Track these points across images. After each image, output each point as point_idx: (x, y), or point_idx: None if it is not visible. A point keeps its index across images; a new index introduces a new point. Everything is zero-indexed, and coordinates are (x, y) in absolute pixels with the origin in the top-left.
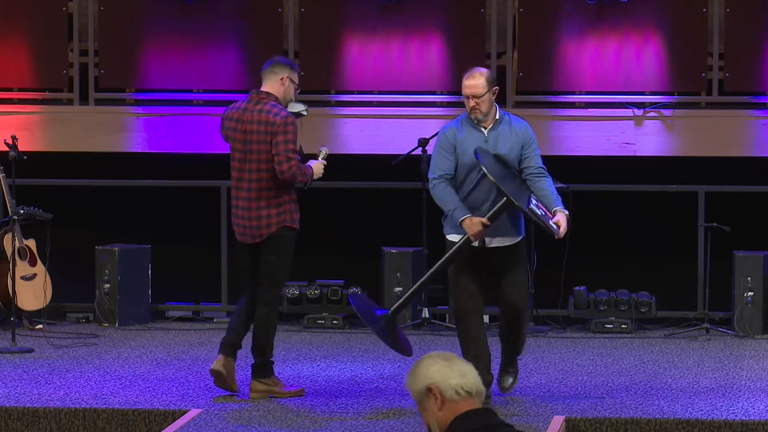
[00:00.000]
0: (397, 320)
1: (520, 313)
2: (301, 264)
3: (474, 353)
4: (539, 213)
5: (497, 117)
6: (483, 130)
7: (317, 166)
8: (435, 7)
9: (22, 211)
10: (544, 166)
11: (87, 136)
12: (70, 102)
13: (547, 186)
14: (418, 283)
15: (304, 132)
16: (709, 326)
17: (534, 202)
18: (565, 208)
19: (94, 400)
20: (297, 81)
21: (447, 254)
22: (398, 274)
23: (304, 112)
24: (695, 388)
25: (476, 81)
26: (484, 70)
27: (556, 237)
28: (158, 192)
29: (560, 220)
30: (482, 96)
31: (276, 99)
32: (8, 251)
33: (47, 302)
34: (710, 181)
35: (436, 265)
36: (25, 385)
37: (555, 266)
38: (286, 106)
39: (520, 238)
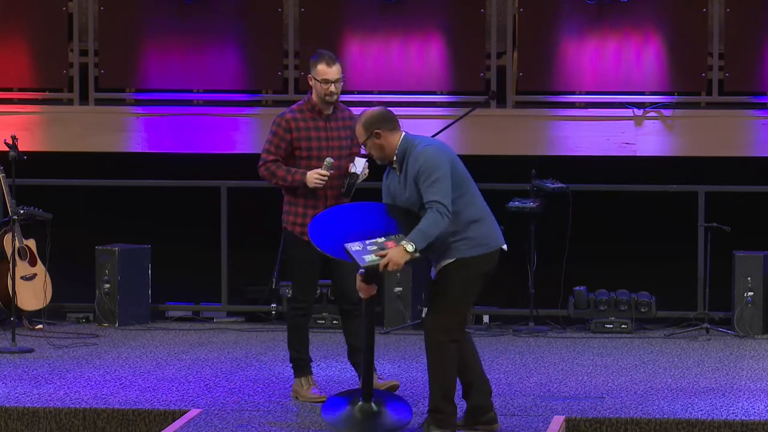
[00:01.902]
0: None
1: (425, 337)
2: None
3: None
4: (353, 251)
5: (395, 157)
6: (397, 172)
7: (309, 176)
8: (435, 7)
9: (22, 211)
10: (436, 198)
11: (87, 136)
12: (70, 102)
13: (420, 222)
14: (366, 353)
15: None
16: (709, 326)
17: (371, 241)
18: (416, 244)
19: (94, 400)
20: (317, 76)
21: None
22: (398, 274)
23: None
24: (695, 388)
25: (356, 128)
26: (366, 113)
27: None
28: (158, 192)
29: (387, 251)
30: (365, 142)
31: (307, 100)
32: (8, 251)
33: (47, 302)
34: (710, 181)
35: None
36: (25, 385)
37: (555, 266)
38: (321, 105)
39: (448, 261)
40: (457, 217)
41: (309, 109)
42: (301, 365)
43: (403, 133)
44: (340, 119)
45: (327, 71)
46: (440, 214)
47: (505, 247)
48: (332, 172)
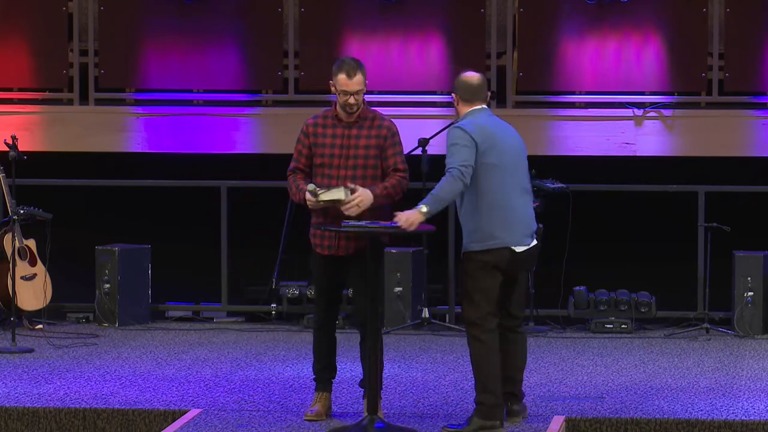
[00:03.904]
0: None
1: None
2: (301, 264)
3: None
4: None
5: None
6: None
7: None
8: (435, 7)
9: (22, 211)
10: (449, 163)
11: (87, 136)
12: (70, 102)
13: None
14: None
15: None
16: (709, 326)
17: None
18: (428, 206)
19: (94, 400)
20: (337, 86)
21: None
22: (398, 274)
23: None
24: (695, 388)
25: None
26: (463, 74)
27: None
28: (158, 192)
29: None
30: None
31: (333, 105)
32: (8, 251)
33: (47, 302)
34: (710, 181)
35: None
36: (25, 385)
37: (555, 266)
38: (342, 113)
39: (463, 252)
40: (469, 202)
41: (332, 115)
42: (317, 378)
43: (479, 109)
44: (365, 128)
45: (346, 83)
46: (453, 177)
47: (518, 249)
48: (314, 198)
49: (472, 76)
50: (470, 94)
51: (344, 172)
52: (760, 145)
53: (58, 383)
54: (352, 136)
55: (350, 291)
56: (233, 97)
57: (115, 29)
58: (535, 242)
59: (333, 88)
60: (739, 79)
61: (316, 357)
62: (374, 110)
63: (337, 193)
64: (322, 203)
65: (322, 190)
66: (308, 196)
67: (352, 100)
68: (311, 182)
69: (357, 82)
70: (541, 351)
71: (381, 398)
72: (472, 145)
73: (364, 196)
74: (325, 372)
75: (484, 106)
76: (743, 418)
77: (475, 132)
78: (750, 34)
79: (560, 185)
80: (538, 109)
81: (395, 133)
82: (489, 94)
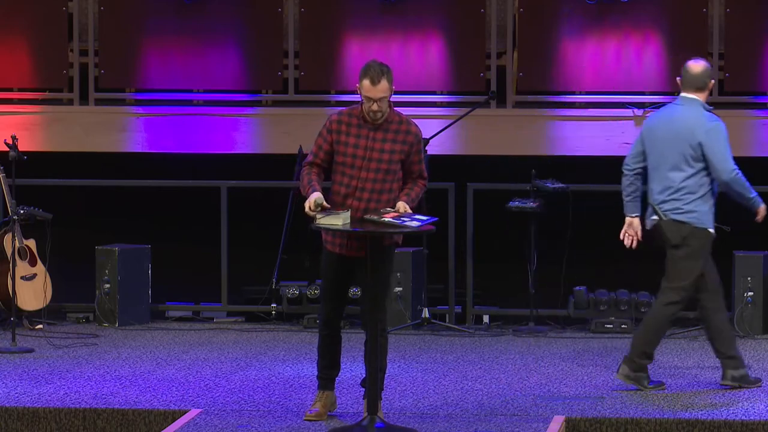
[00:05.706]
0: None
1: None
2: (301, 264)
3: None
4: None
5: None
6: None
7: (310, 197)
8: (435, 7)
9: (22, 211)
10: None
11: (87, 136)
12: (70, 102)
13: None
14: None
15: (305, 132)
16: None
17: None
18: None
19: (94, 400)
20: (362, 91)
21: None
22: (398, 274)
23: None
24: (695, 388)
25: None
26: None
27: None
28: (158, 192)
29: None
30: None
31: (360, 105)
32: (8, 251)
33: (47, 302)
34: None
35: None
36: (25, 385)
37: (555, 266)
38: (367, 116)
39: None
40: None
41: (358, 114)
42: (320, 376)
43: (681, 97)
44: (391, 131)
45: (371, 89)
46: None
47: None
48: (315, 210)
49: (692, 65)
50: (685, 81)
51: (366, 174)
52: (760, 145)
53: (58, 383)
54: (377, 139)
55: (358, 290)
56: (233, 97)
57: (115, 29)
58: (654, 217)
59: (358, 91)
60: (739, 79)
61: (321, 355)
62: (400, 113)
63: (336, 220)
64: (319, 219)
65: (324, 215)
66: (313, 202)
67: (375, 106)
68: (327, 179)
69: (381, 89)
70: (541, 351)
71: (381, 398)
72: (640, 137)
73: (405, 209)
74: (329, 370)
75: (688, 95)
76: (743, 418)
77: (647, 125)
78: (750, 34)
79: (560, 185)
80: (538, 109)
81: (421, 140)
82: (711, 84)
